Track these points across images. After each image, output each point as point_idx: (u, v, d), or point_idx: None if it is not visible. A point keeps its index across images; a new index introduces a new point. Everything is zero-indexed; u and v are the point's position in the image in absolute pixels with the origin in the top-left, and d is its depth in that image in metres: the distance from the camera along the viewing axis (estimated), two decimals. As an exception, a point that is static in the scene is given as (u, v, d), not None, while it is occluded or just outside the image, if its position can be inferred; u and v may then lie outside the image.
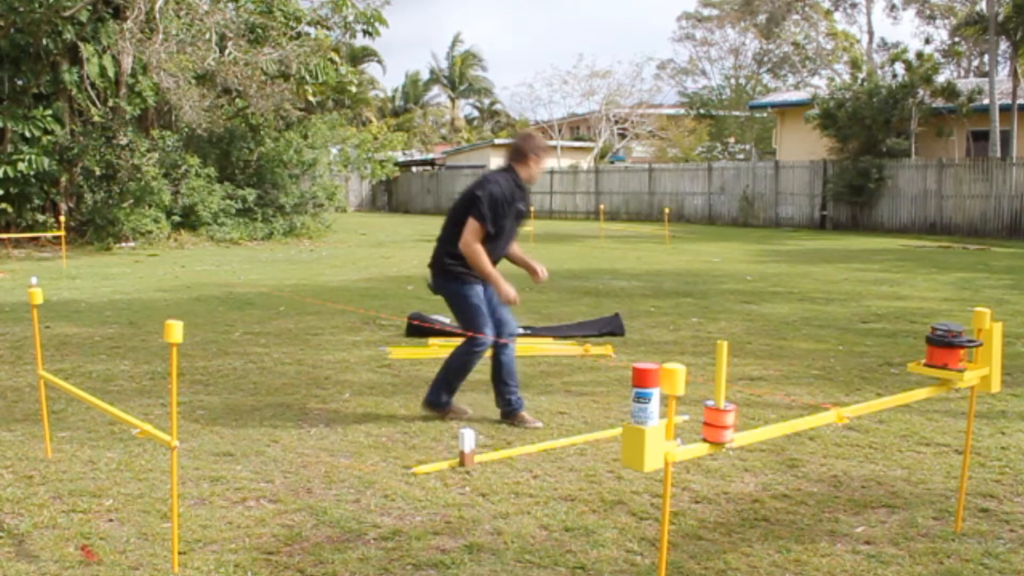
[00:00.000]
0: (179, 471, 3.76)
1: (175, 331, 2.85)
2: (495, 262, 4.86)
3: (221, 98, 19.26)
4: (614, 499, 3.70)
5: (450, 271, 4.86)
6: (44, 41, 17.51)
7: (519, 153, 4.93)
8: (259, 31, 19.91)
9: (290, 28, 20.59)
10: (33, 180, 17.77)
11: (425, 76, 55.02)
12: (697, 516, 3.53)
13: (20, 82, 18.23)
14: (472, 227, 4.70)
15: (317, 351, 6.91)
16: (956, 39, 36.52)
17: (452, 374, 4.95)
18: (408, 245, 18.81)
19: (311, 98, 22.15)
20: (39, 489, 3.79)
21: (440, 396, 4.96)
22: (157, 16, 17.30)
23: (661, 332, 7.85)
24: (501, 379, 4.94)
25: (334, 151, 23.81)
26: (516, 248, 5.11)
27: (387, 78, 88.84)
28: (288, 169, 21.28)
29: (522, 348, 6.94)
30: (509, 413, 4.93)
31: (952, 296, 10.28)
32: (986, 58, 27.94)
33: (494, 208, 4.74)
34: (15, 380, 5.90)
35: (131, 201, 17.84)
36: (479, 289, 4.86)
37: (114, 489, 3.79)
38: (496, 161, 37.68)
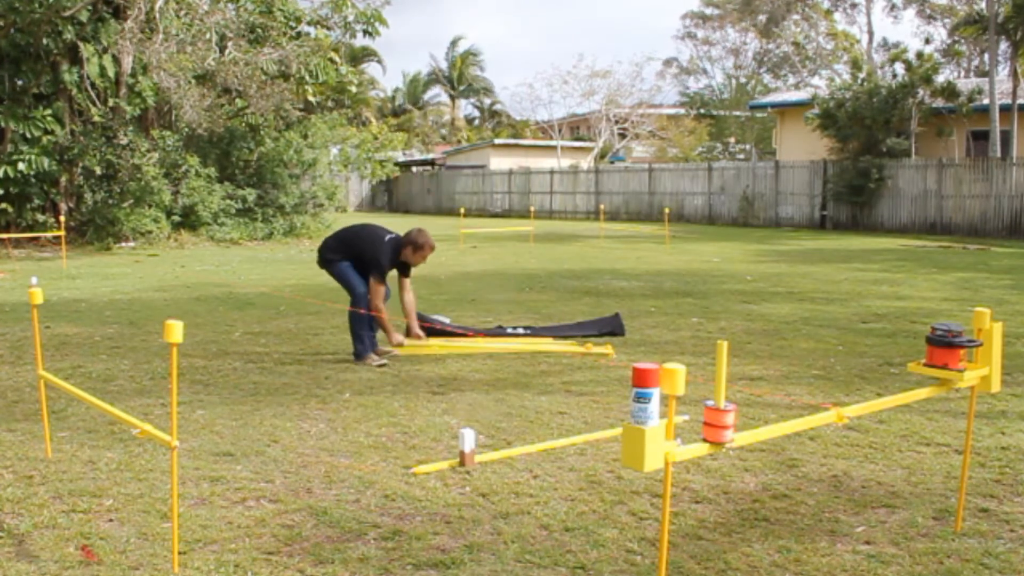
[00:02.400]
0: (179, 471, 3.76)
1: (175, 331, 2.85)
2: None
3: (221, 98, 19.27)
4: (614, 499, 3.70)
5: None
6: (44, 41, 17.51)
7: (409, 240, 6.67)
8: (259, 31, 19.91)
9: (290, 28, 20.59)
10: (33, 180, 17.77)
11: (425, 76, 55.07)
12: (697, 516, 3.53)
13: (20, 82, 18.23)
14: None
15: (317, 351, 6.92)
16: (956, 39, 36.54)
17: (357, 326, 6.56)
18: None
19: (311, 98, 22.15)
20: (39, 489, 3.79)
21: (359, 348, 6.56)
22: (157, 16, 17.30)
23: (661, 332, 7.85)
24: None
25: (334, 151, 23.81)
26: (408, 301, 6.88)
27: (388, 78, 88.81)
28: (288, 169, 21.28)
29: (522, 348, 6.95)
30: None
31: (952, 296, 10.28)
32: (986, 58, 27.94)
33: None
34: (15, 380, 5.90)
35: (131, 201, 17.85)
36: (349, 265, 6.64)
37: (114, 489, 3.79)
38: (496, 161, 37.74)
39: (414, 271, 6.83)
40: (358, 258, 6.55)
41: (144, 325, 8.14)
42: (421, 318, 7.59)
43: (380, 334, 6.75)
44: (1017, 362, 6.29)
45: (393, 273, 6.69)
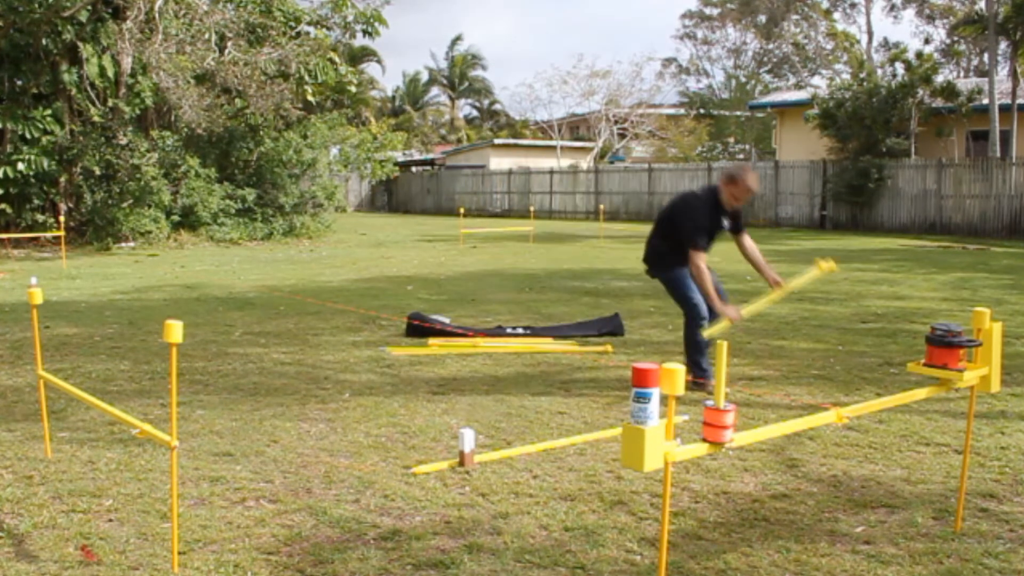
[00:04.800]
0: (179, 471, 3.76)
1: (175, 331, 2.85)
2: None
3: (220, 98, 19.28)
4: (614, 499, 3.70)
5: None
6: (44, 41, 17.50)
7: (723, 178, 5.50)
8: (259, 31, 19.91)
9: (290, 28, 20.59)
10: (33, 180, 17.76)
11: (425, 76, 55.09)
12: (697, 516, 3.53)
13: (20, 82, 18.22)
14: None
15: (317, 351, 6.91)
16: (955, 39, 36.55)
17: (692, 350, 5.57)
18: (408, 245, 18.82)
19: (311, 98, 22.14)
20: (39, 489, 3.79)
21: (697, 373, 5.55)
22: (157, 16, 17.31)
23: (660, 332, 7.85)
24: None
25: (334, 151, 23.81)
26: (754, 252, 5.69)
27: (389, 79, 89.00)
28: (288, 169, 21.28)
29: (522, 348, 6.95)
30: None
31: (951, 296, 10.29)
32: (986, 58, 27.94)
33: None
34: (15, 380, 5.90)
35: (131, 201, 17.85)
36: (685, 272, 5.50)
37: (114, 489, 3.79)
38: (496, 161, 37.70)
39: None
40: (678, 238, 5.44)
41: (144, 325, 8.13)
42: (420, 318, 7.60)
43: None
44: (1017, 362, 6.30)
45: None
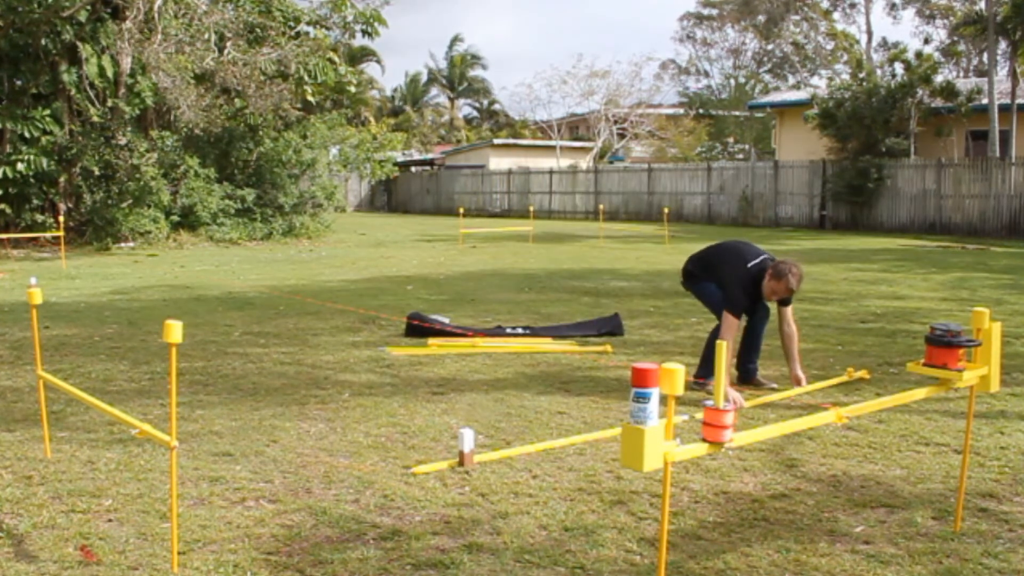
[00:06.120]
0: (178, 471, 3.76)
1: (175, 331, 2.85)
2: None
3: (219, 98, 19.28)
4: (614, 499, 3.70)
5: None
6: (43, 41, 17.51)
7: (773, 269, 5.41)
8: (258, 31, 19.91)
9: (289, 28, 20.59)
10: (32, 180, 17.76)
11: (425, 76, 55.12)
12: (697, 516, 3.53)
13: (19, 82, 18.23)
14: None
15: (317, 351, 6.91)
16: (955, 39, 36.58)
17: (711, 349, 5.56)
18: (408, 245, 18.81)
19: (310, 98, 22.14)
20: (38, 489, 3.79)
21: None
22: (156, 16, 17.31)
23: (660, 332, 7.85)
24: (745, 348, 5.79)
25: (333, 151, 23.81)
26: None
27: (389, 79, 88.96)
28: (287, 169, 21.28)
29: (522, 348, 6.95)
30: (744, 379, 5.76)
31: (951, 296, 10.29)
32: (985, 58, 27.96)
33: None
34: (15, 380, 5.90)
35: (130, 201, 17.85)
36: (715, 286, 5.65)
37: (113, 489, 3.79)
38: (495, 161, 37.67)
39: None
40: (717, 280, 5.57)
41: (143, 325, 8.13)
42: (420, 318, 7.60)
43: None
44: (1016, 362, 6.30)
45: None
